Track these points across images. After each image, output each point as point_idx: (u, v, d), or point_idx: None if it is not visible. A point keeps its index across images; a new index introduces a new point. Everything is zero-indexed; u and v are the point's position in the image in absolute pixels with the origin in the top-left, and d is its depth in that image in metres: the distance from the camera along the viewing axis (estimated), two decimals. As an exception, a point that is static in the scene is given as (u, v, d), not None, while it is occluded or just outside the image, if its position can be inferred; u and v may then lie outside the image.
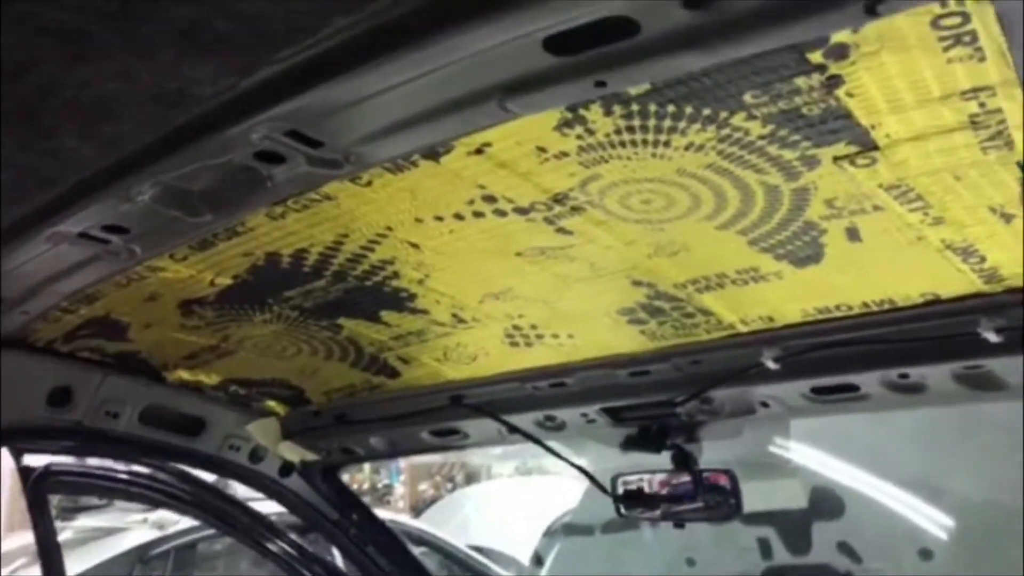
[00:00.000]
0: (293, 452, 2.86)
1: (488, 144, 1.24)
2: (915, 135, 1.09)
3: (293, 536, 3.26)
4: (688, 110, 1.10)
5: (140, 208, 1.37)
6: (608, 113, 1.13)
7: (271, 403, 2.72)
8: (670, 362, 2.03)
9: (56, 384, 2.20)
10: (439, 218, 1.51)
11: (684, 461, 2.34)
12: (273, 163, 1.22)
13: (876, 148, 1.14)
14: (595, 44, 0.87)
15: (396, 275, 1.78)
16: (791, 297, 1.69)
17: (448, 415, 2.52)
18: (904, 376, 1.77)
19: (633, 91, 1.07)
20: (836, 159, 1.18)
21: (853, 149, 1.15)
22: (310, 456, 2.89)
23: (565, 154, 1.25)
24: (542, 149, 1.24)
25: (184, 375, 2.47)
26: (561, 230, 1.52)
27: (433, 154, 1.27)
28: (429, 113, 1.06)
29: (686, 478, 2.34)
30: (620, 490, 2.44)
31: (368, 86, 1.02)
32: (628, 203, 1.40)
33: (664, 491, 2.40)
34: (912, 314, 1.64)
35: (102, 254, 1.55)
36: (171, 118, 1.13)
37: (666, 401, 2.15)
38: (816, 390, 1.92)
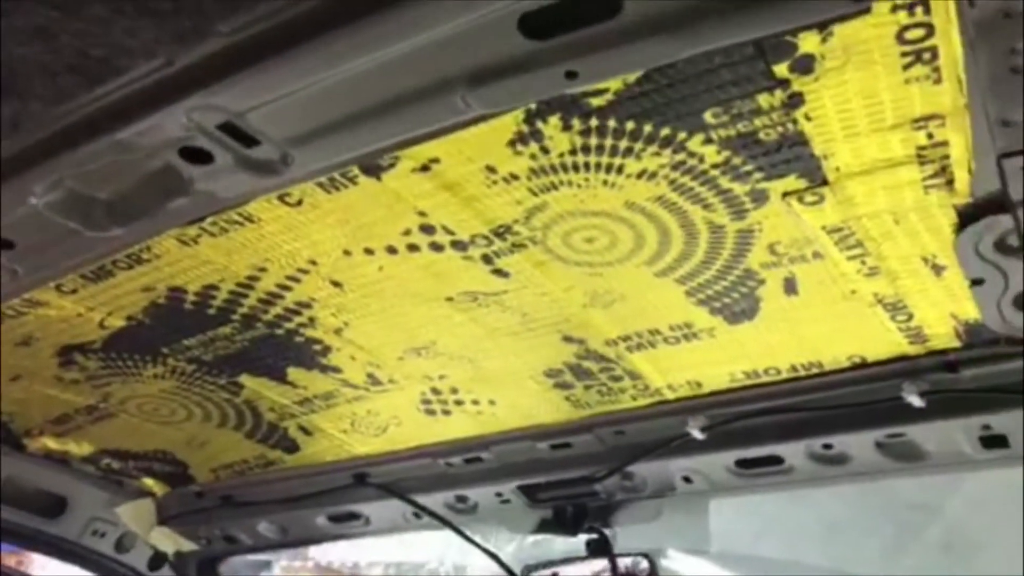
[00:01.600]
0: (167, 540, 2.56)
1: (436, 160, 1.18)
2: (864, 168, 1.11)
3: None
4: (647, 128, 1.09)
5: (31, 216, 1.21)
6: (566, 128, 1.10)
7: (148, 481, 2.44)
8: (593, 433, 1.96)
9: None
10: (369, 251, 1.42)
11: (600, 546, 2.23)
12: (198, 162, 1.11)
13: (825, 183, 1.15)
14: (573, 27, 0.84)
15: (312, 322, 1.66)
16: (721, 359, 1.67)
17: (350, 496, 2.33)
18: (828, 446, 1.76)
19: (594, 102, 1.05)
20: (785, 195, 1.19)
21: (803, 184, 1.16)
22: (187, 545, 2.59)
23: (515, 176, 1.20)
24: (491, 169, 1.19)
25: (49, 443, 2.20)
26: (498, 271, 1.45)
27: (375, 169, 1.20)
28: (384, 105, 0.99)
29: (602, 564, 2.23)
30: (536, 580, 2.30)
31: (320, 66, 0.95)
32: (571, 241, 1.36)
33: (581, 579, 2.28)
34: (838, 379, 1.64)
35: (-24, 275, 1.36)
36: (87, 96, 1.01)
37: (586, 477, 2.05)
38: (740, 463, 1.88)
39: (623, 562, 2.19)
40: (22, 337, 1.69)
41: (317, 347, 1.75)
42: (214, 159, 1.10)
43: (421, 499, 2.24)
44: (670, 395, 1.82)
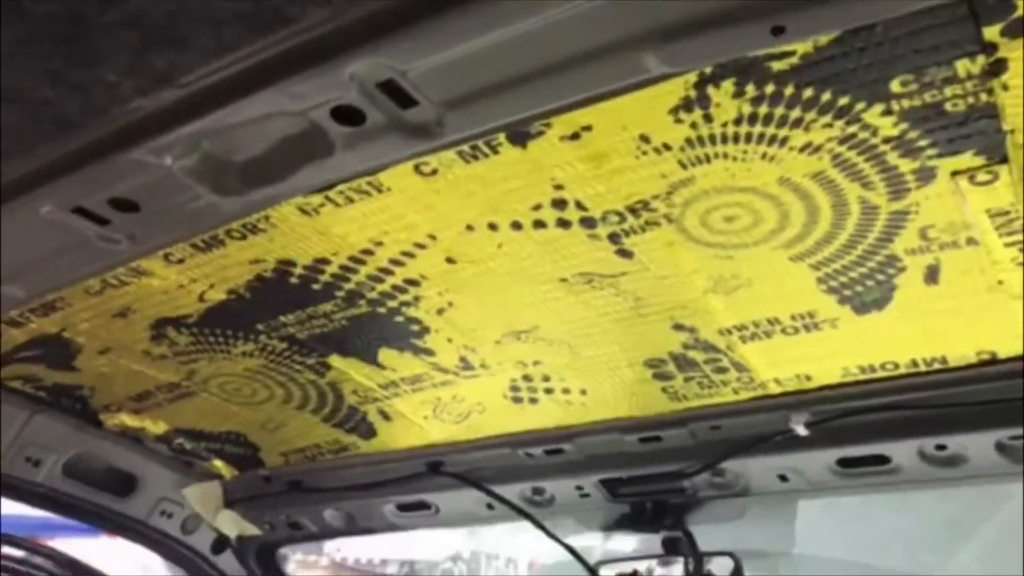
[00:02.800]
0: (232, 524, 2.53)
1: (588, 127, 1.13)
2: None
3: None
4: (825, 97, 1.03)
5: (162, 178, 1.18)
6: (738, 94, 1.04)
7: (217, 463, 2.41)
8: (686, 427, 1.90)
9: None
10: (493, 226, 1.37)
11: (681, 545, 2.17)
12: (349, 123, 1.06)
13: (1004, 161, 1.10)
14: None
15: (416, 301, 1.61)
16: (837, 352, 1.61)
17: (422, 485, 2.28)
18: (941, 447, 1.69)
19: (776, 66, 1.00)
20: (955, 173, 1.13)
21: (979, 161, 1.11)
22: (251, 530, 2.56)
23: (668, 147, 1.15)
24: (645, 139, 1.14)
25: (126, 420, 2.17)
26: (622, 251, 1.40)
27: (523, 136, 1.16)
28: (556, 65, 0.95)
29: (680, 564, 2.17)
30: (612, 576, 2.24)
31: (496, 21, 0.90)
32: (709, 220, 1.31)
33: (660, 578, 2.22)
34: (961, 375, 1.58)
35: (94, 239, 1.32)
36: (250, 48, 0.97)
37: (674, 473, 1.99)
38: (843, 462, 1.81)
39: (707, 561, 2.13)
40: (120, 308, 1.66)
41: (415, 327, 1.70)
42: (366, 119, 1.06)
43: (496, 490, 2.20)
44: (775, 389, 1.76)
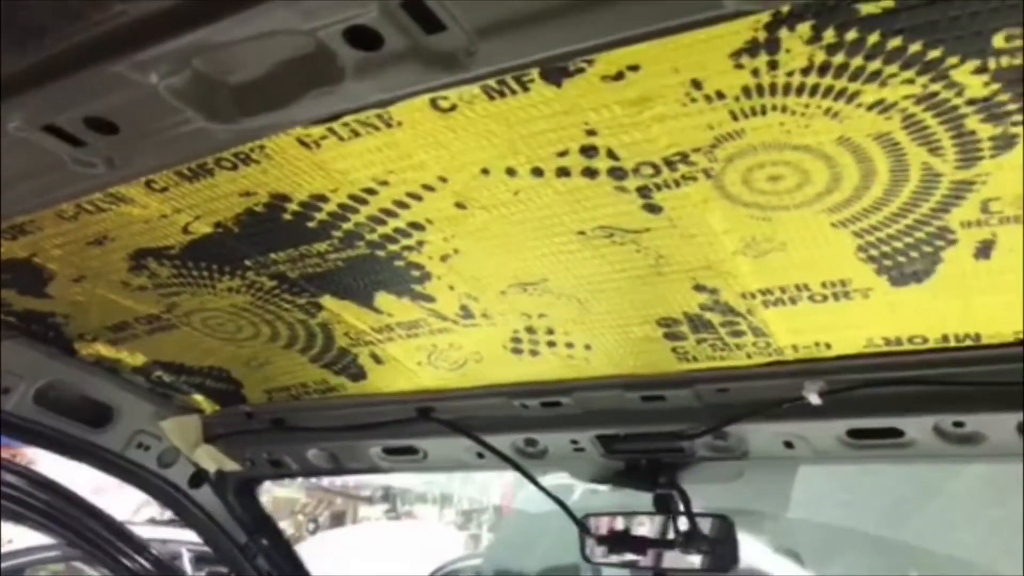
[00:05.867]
0: (211, 459, 2.45)
1: (635, 67, 1.00)
2: None
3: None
4: (914, 48, 0.91)
5: (146, 98, 1.03)
6: (814, 40, 0.91)
7: (198, 397, 2.31)
8: (692, 388, 1.82)
9: None
10: (511, 171, 1.25)
11: (670, 503, 2.12)
12: (363, 47, 0.92)
13: (1101, 130, 0.98)
14: None
15: (420, 246, 1.49)
16: (864, 322, 1.52)
17: (410, 430, 2.20)
18: (959, 424, 1.63)
19: (866, 9, 0.87)
20: (1036, 143, 1.02)
21: (1066, 131, 0.99)
22: (230, 465, 2.49)
23: (721, 96, 1.02)
24: (697, 84, 1.01)
25: (102, 350, 2.06)
26: (651, 206, 1.28)
27: (558, 73, 1.02)
28: (613, -7, 0.81)
29: (673, 522, 2.12)
30: (601, 531, 2.20)
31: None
32: (751, 178, 1.19)
33: (652, 535, 2.17)
34: (991, 354, 1.50)
35: (67, 161, 1.17)
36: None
37: (675, 433, 1.92)
38: (853, 432, 1.75)
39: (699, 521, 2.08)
40: (96, 235, 1.52)
41: (416, 273, 1.59)
42: (383, 43, 0.91)
43: (487, 439, 2.12)
44: (791, 355, 1.68)
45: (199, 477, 2.48)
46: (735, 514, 2.08)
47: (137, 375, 2.16)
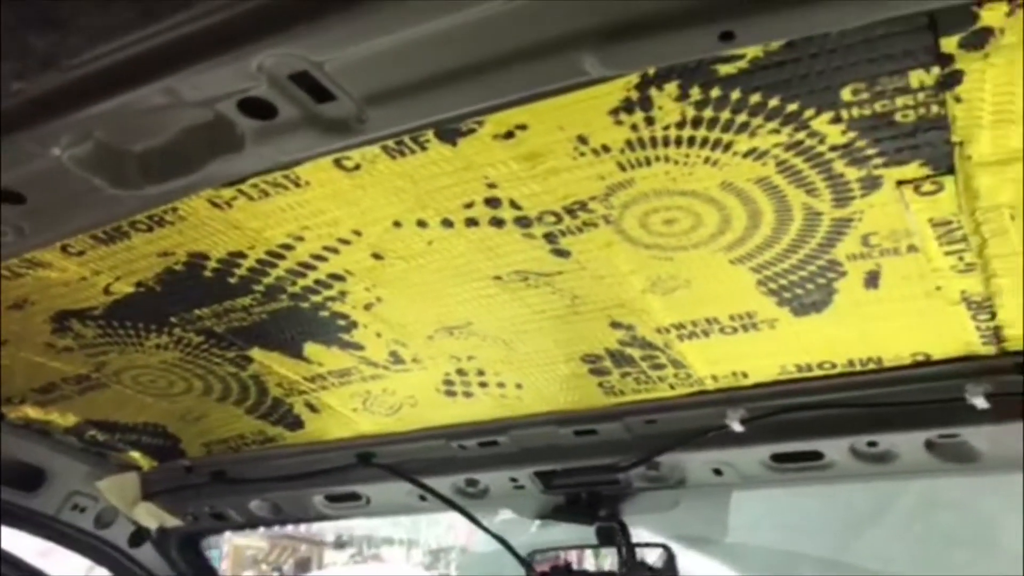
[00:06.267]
0: (151, 516, 2.41)
1: (523, 127, 1.05)
2: (999, 158, 1.02)
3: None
4: (773, 103, 0.97)
5: (51, 169, 1.06)
6: (682, 97, 0.98)
7: (134, 454, 2.29)
8: (622, 421, 1.86)
9: None
10: (422, 223, 1.29)
11: (612, 535, 2.15)
12: (258, 116, 0.96)
13: (950, 172, 1.06)
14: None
15: (342, 296, 1.52)
16: (775, 351, 1.59)
17: (351, 477, 2.21)
18: (872, 444, 1.70)
19: (723, 70, 0.93)
20: (900, 183, 1.09)
21: (925, 172, 1.07)
22: (171, 521, 2.45)
23: (607, 149, 1.08)
24: (583, 140, 1.07)
25: (30, 412, 2.03)
26: (559, 251, 1.34)
27: (453, 134, 1.07)
28: (488, 63, 0.86)
29: (618, 553, 2.15)
30: (545, 568, 2.22)
31: (424, 13, 0.81)
32: (648, 222, 1.25)
33: (595, 568, 2.20)
34: (895, 376, 1.57)
35: (-25, 231, 1.19)
36: (142, 32, 0.86)
37: (609, 466, 1.96)
38: (776, 457, 1.81)
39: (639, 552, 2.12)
40: (15, 300, 1.52)
41: (342, 322, 1.62)
42: (277, 113, 0.95)
43: (429, 481, 2.14)
44: (711, 385, 1.73)
45: (139, 536, 2.44)
46: (676, 541, 2.12)
47: (69, 435, 2.14)
